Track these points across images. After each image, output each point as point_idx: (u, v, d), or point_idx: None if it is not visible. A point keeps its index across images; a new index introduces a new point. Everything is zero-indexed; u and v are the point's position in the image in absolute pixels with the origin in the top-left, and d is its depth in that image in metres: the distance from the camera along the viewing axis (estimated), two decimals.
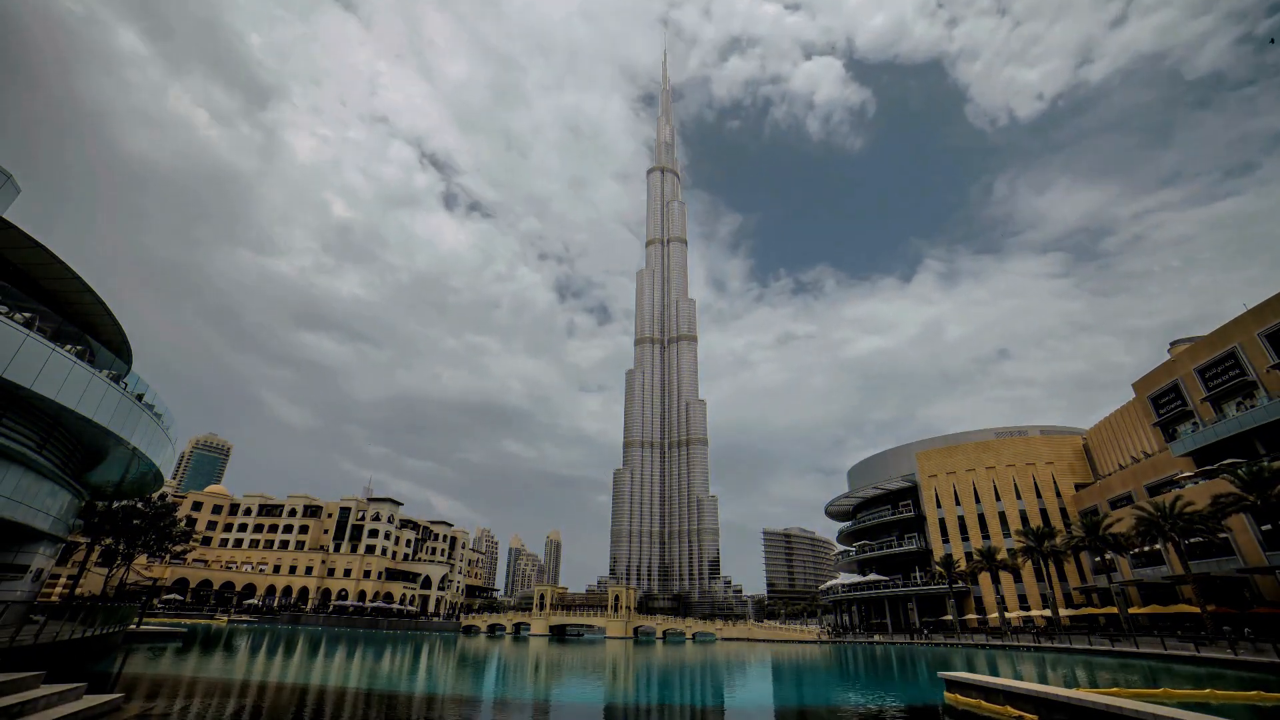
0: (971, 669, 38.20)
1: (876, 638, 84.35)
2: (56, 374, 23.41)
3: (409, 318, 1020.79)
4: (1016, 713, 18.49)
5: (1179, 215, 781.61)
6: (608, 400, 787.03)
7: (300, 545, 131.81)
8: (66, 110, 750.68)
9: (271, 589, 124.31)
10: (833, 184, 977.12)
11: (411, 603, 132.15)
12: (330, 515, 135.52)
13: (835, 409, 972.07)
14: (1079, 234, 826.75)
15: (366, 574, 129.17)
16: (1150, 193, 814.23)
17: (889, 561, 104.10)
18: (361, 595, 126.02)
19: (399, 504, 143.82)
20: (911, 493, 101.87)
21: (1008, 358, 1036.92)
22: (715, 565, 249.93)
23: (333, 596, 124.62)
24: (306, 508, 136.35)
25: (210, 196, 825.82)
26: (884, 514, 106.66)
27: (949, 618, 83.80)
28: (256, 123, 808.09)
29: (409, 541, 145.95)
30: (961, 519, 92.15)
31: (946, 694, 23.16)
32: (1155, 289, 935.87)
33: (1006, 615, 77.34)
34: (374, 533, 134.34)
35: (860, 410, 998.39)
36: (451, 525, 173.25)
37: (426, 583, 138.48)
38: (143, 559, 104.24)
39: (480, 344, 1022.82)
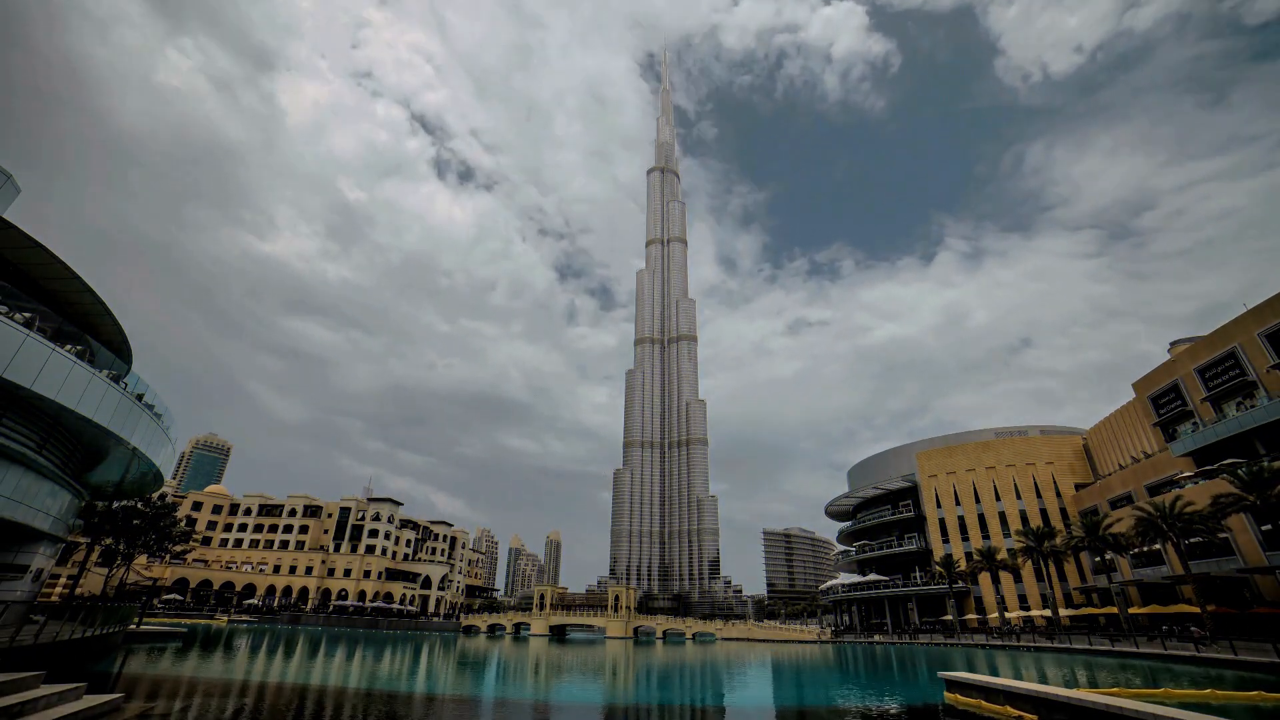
0: (971, 669, 38.18)
1: (876, 638, 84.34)
2: (56, 374, 23.41)
3: (400, 301, 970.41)
4: (1016, 713, 18.49)
5: (1228, 186, 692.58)
6: (613, 393, 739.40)
7: (300, 545, 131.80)
8: (57, 76, 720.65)
9: (271, 589, 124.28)
10: (851, 150, 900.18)
11: (411, 603, 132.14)
12: (330, 515, 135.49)
13: (849, 400, 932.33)
14: (1116, 208, 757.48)
15: (366, 574, 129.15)
16: (1198, 160, 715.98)
17: (889, 561, 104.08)
18: (361, 595, 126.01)
19: (399, 504, 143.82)
20: (911, 493, 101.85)
21: (1030, 346, 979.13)
22: (715, 565, 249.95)
23: (333, 596, 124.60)
24: (306, 508, 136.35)
25: (199, 171, 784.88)
26: (884, 514, 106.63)
27: (949, 618, 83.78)
28: (255, 87, 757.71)
29: (409, 541, 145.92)
30: (961, 519, 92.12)
31: (946, 694, 23.16)
32: (1191, 269, 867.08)
33: (1006, 615, 77.32)
34: (374, 533, 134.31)
35: (875, 401, 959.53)
36: (451, 525, 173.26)
37: (426, 583, 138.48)
38: (143, 559, 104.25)
39: (475, 329, 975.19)
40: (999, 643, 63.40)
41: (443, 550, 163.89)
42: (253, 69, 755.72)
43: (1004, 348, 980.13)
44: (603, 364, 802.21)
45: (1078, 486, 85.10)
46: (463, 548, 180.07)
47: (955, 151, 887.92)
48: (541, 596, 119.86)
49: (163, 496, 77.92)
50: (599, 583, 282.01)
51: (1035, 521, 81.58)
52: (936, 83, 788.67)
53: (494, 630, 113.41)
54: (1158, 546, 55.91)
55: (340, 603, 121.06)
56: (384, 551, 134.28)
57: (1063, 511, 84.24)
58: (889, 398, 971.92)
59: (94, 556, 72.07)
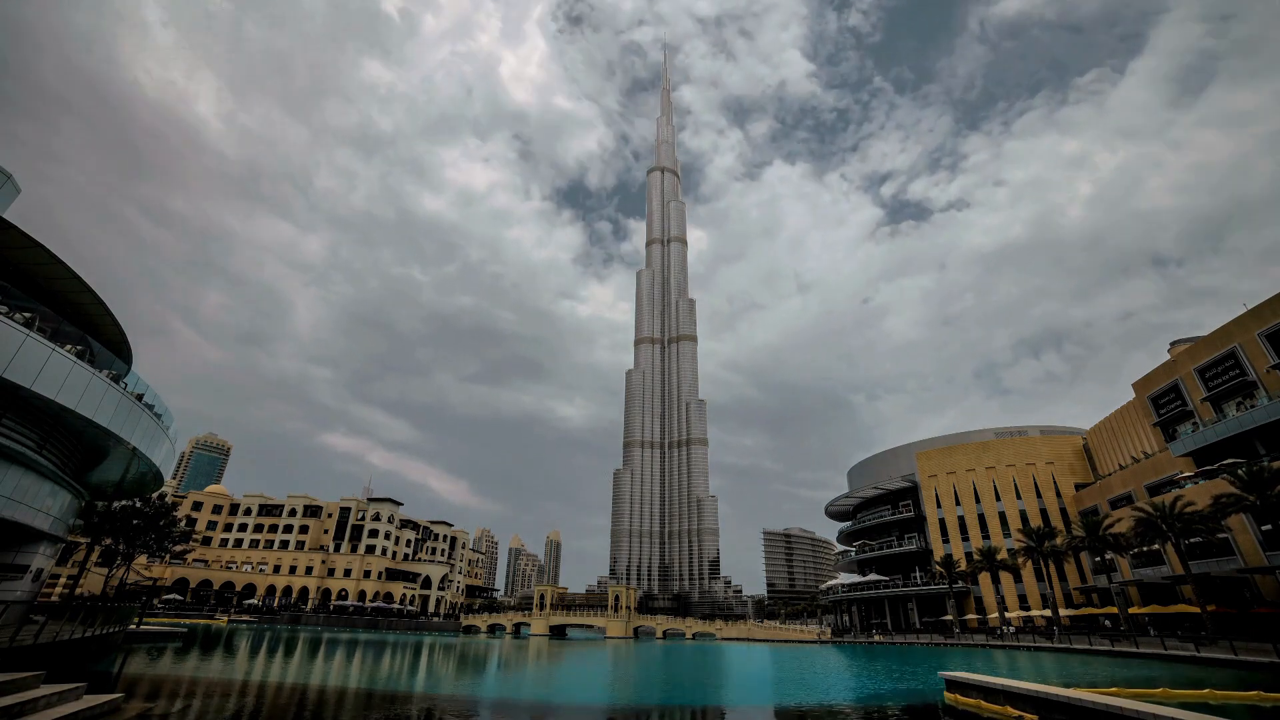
0: (971, 669, 38.17)
1: (876, 637, 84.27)
2: (56, 374, 23.40)
3: (316, 155, 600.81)
4: (1016, 713, 18.49)
5: None
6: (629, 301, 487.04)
7: (300, 545, 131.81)
8: None
9: (271, 589, 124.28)
10: None
11: (412, 603, 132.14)
12: (330, 515, 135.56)
13: (954, 338, 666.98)
14: None
15: (366, 574, 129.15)
16: None
17: (889, 561, 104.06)
18: (361, 595, 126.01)
19: (399, 504, 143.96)
20: (911, 493, 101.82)
21: (1215, 251, 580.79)
22: (715, 565, 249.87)
23: (333, 596, 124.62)
24: (306, 508, 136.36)
25: None
26: (884, 514, 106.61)
27: (949, 618, 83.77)
28: None
29: (409, 541, 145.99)
30: (961, 519, 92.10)
31: (946, 694, 23.16)
32: None
33: (1007, 615, 77.28)
34: (374, 533, 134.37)
35: (985, 340, 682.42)
36: (451, 525, 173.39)
37: (427, 583, 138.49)
38: (143, 559, 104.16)
39: (434, 206, 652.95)
40: (999, 642, 63.36)
41: (443, 550, 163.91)
42: None
43: (1167, 254, 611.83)
44: (621, 266, 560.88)
45: (1078, 486, 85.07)
46: (463, 548, 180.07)
47: None
48: (541, 596, 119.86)
49: (162, 496, 77.90)
50: (599, 583, 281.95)
51: (1035, 521, 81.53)
52: None
53: (494, 630, 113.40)
54: (1158, 546, 55.85)
55: (340, 603, 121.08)
56: (384, 551, 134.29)
57: (1063, 511, 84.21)
58: (1000, 329, 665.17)
59: (94, 556, 71.99)
